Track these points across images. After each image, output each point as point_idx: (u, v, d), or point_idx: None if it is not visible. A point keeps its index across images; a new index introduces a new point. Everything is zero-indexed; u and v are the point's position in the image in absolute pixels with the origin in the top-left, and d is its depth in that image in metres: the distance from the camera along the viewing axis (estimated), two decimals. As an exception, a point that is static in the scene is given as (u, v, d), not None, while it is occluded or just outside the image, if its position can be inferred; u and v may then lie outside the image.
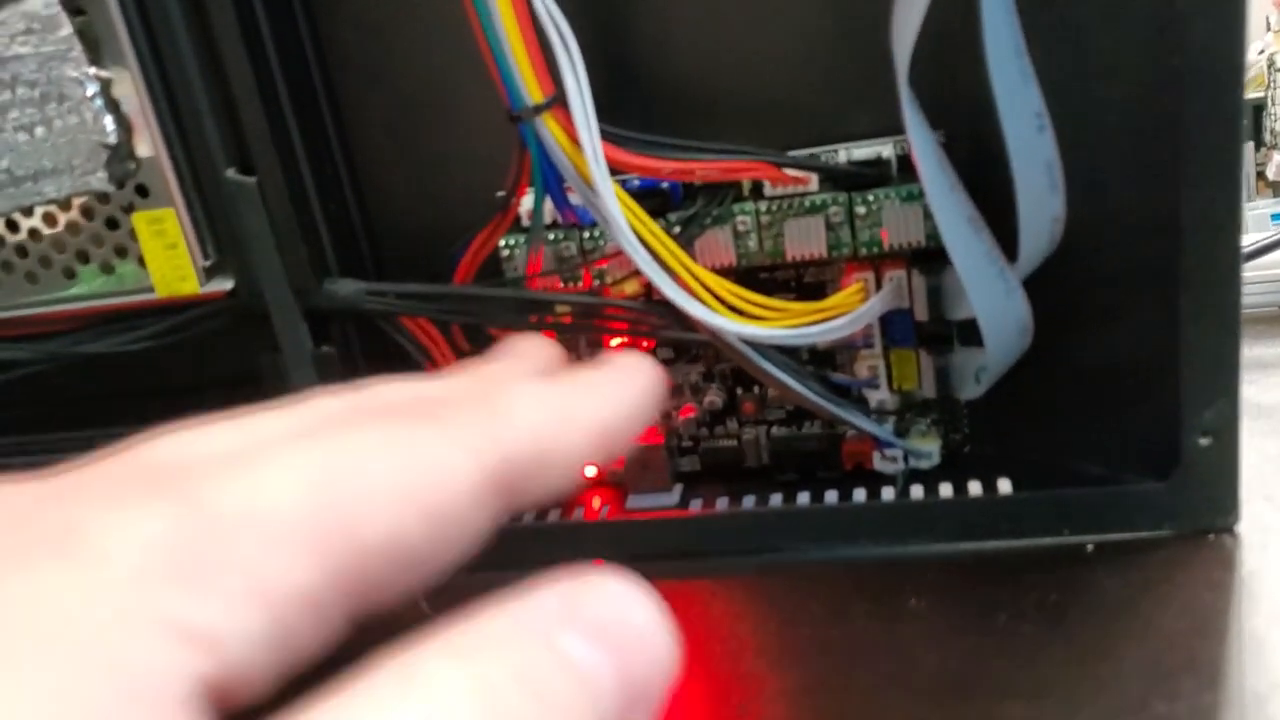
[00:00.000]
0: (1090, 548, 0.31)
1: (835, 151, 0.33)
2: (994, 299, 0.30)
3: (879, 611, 0.29)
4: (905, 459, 0.35)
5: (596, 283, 0.34)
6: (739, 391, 0.37)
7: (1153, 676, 0.25)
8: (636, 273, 0.32)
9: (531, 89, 0.29)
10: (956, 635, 0.28)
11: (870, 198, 0.32)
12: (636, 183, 0.33)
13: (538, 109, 0.29)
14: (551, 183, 0.31)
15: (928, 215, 0.32)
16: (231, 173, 0.33)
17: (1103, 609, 0.28)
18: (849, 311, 0.32)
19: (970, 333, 0.34)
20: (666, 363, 0.37)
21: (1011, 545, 0.32)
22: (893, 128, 0.33)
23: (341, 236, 0.35)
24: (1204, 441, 0.30)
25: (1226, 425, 0.30)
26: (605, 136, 0.30)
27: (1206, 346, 0.29)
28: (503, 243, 0.35)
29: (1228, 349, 0.29)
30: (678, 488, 0.37)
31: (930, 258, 0.33)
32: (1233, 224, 0.28)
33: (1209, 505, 0.31)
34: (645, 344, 0.37)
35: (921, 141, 0.29)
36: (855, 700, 0.25)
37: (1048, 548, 0.31)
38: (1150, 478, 0.31)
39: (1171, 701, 0.24)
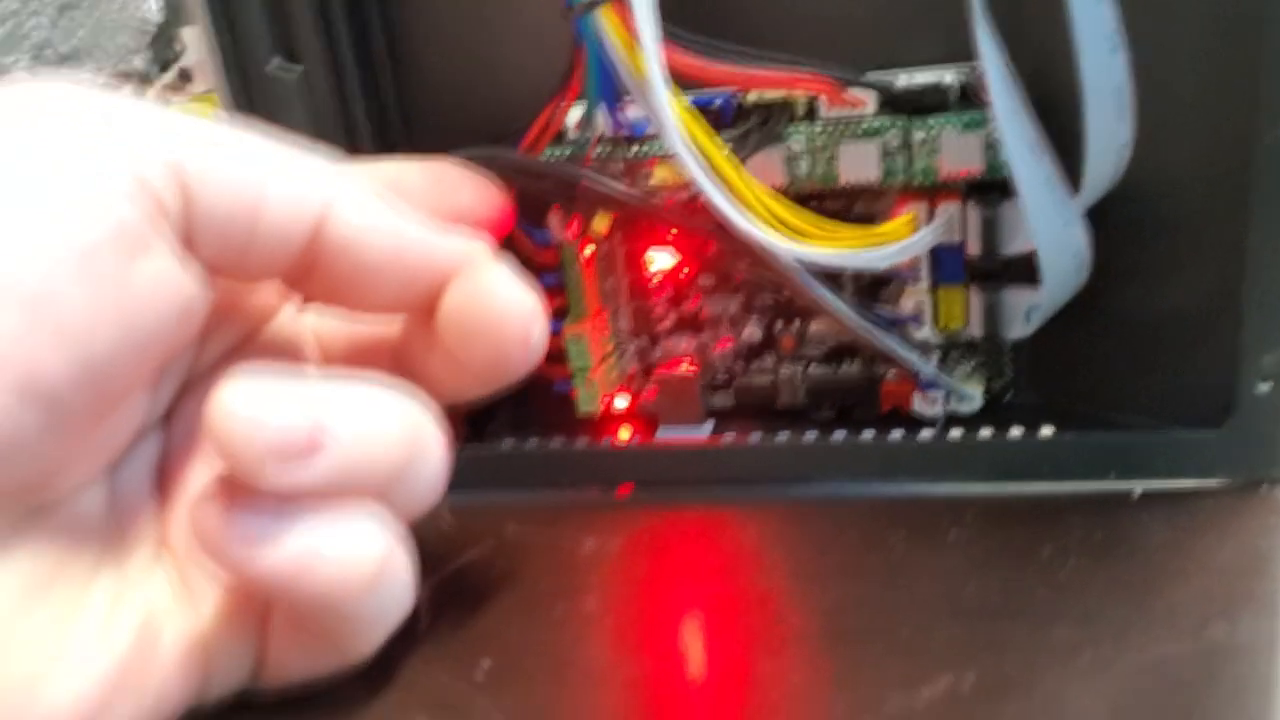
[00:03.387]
0: (1136, 494, 0.30)
1: (894, 76, 0.32)
2: (1053, 228, 0.29)
3: (917, 541, 0.28)
4: (945, 401, 0.34)
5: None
6: (778, 326, 0.36)
7: (1208, 607, 0.24)
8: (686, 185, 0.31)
9: (591, -19, 0.28)
10: (998, 565, 0.27)
11: (929, 123, 0.31)
12: (688, 100, 0.32)
13: (595, 1, 0.29)
14: (605, 86, 0.31)
15: (988, 145, 0.31)
16: (276, 62, 0.32)
17: (1151, 548, 0.27)
18: (900, 240, 0.32)
19: (1023, 270, 0.33)
20: (706, 291, 0.36)
21: (1053, 489, 0.31)
22: (955, 55, 0.32)
23: (382, 136, 0.34)
24: (1263, 387, 0.29)
25: (1287, 372, 0.29)
26: (663, 36, 0.29)
27: (1271, 288, 0.28)
28: (547, 153, 0.34)
29: (1294, 292, 0.28)
30: (709, 423, 0.36)
31: (986, 190, 0.32)
32: (1309, 158, 0.27)
33: (1263, 454, 0.30)
34: (686, 271, 0.36)
35: (990, 54, 0.28)
36: (896, 617, 0.25)
37: (1091, 493, 0.30)
38: (1203, 425, 0.30)
39: (1232, 626, 0.23)
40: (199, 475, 0.23)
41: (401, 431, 0.22)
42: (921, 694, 0.21)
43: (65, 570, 0.22)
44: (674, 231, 0.34)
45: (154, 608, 0.22)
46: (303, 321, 0.27)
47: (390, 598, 0.23)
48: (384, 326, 0.27)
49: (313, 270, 0.23)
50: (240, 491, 0.20)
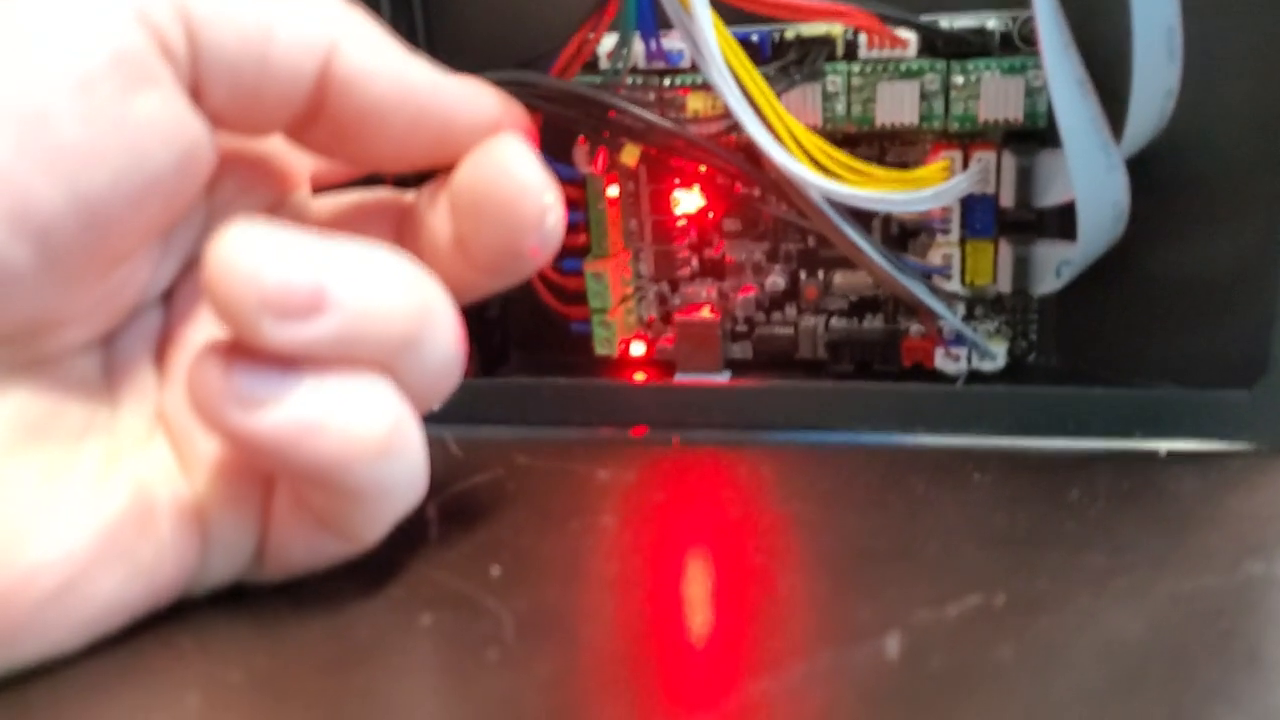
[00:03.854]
0: (1163, 454, 0.29)
1: (937, 20, 0.31)
2: (1094, 172, 0.29)
3: (940, 481, 0.28)
4: (969, 358, 0.34)
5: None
6: (802, 276, 0.36)
7: (1242, 547, 0.23)
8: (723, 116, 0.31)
9: (636, -104, 0.28)
10: (1025, 503, 0.26)
11: (970, 67, 0.31)
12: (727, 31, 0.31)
13: (641, -83, 0.28)
14: (643, 12, 0.30)
15: (1028, 91, 0.31)
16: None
17: (1182, 496, 0.26)
18: (934, 185, 0.31)
19: (1056, 224, 0.33)
20: (731, 237, 0.36)
21: (1078, 445, 0.30)
22: (999, 1, 0.31)
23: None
24: (1296, 349, 0.28)
25: (1321, 333, 0.28)
26: (707, -39, 0.28)
27: (1311, 247, 0.28)
28: (577, 80, 0.33)
29: (1332, 251, 0.28)
30: (726, 373, 0.36)
31: (1024, 139, 0.32)
32: (1358, 112, 0.27)
33: (1293, 419, 0.29)
34: (712, 215, 0.36)
35: (1042, -13, 0.27)
36: (921, 542, 0.24)
37: (1117, 451, 0.30)
38: (1232, 386, 0.29)
39: (1269, 563, 0.22)
40: (198, 348, 0.22)
41: (411, 301, 0.21)
42: (951, 609, 0.21)
43: (56, 425, 0.21)
44: (703, 168, 0.33)
45: (150, 476, 0.21)
46: (311, 207, 0.26)
47: (398, 475, 0.22)
48: (392, 215, 0.26)
49: (319, 114, 0.22)
50: (239, 351, 0.19)
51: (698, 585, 0.23)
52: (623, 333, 0.36)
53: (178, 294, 0.24)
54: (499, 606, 0.22)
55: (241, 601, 0.23)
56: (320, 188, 0.27)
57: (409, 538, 0.25)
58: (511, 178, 0.24)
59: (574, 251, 0.36)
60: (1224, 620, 0.20)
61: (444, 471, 0.30)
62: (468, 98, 0.24)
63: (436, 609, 0.22)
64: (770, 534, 0.25)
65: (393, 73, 0.23)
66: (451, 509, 0.27)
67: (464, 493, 0.28)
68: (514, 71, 0.32)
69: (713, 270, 0.36)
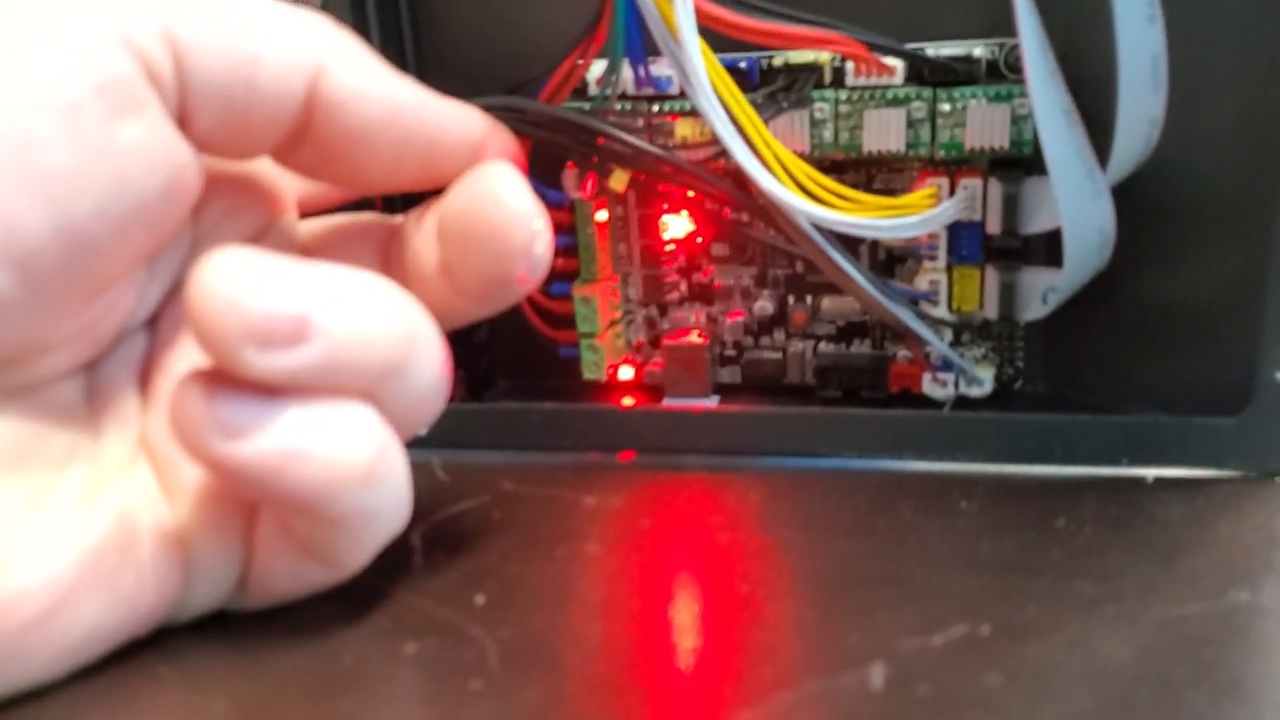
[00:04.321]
0: (1150, 480, 0.29)
1: (923, 48, 0.32)
2: (1080, 200, 0.29)
3: (927, 507, 0.28)
4: (956, 384, 0.34)
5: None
6: (790, 301, 0.36)
7: (1230, 574, 0.23)
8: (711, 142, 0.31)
9: (625, -77, 0.28)
10: (1012, 530, 0.26)
11: (956, 95, 0.31)
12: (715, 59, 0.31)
13: (630, -55, 0.28)
14: (632, 38, 0.30)
15: (1014, 119, 0.31)
16: (298, -7, 0.31)
17: (1169, 522, 0.26)
18: (921, 212, 0.31)
19: (1042, 250, 0.33)
20: (720, 261, 0.36)
21: (1065, 471, 0.30)
22: (985, 30, 0.32)
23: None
24: (1282, 377, 0.29)
25: (1307, 361, 0.28)
26: (695, -12, 0.29)
27: (1297, 274, 0.28)
28: (565, 107, 0.33)
29: (1319, 278, 0.28)
30: (715, 398, 0.36)
31: (1010, 166, 0.32)
32: (1341, 141, 0.27)
33: (1278, 446, 0.29)
34: (701, 240, 0.36)
35: (1027, 17, 0.27)
36: (909, 569, 0.24)
37: (1105, 477, 0.30)
38: (1218, 413, 0.29)
39: (1255, 592, 0.22)
40: (182, 374, 0.22)
41: (396, 329, 0.21)
42: (938, 636, 0.21)
43: (39, 451, 0.21)
44: (691, 193, 0.33)
45: (132, 503, 0.21)
46: (298, 231, 0.26)
47: (382, 502, 0.22)
48: (378, 240, 0.26)
49: (306, 136, 0.22)
50: (222, 380, 0.19)
51: (684, 612, 0.23)
52: (611, 357, 0.36)
53: (162, 319, 0.23)
54: (484, 635, 0.22)
55: (224, 629, 0.23)
56: (307, 212, 0.27)
57: (394, 565, 0.25)
58: (501, 205, 0.23)
59: (562, 276, 0.35)
60: (1210, 649, 0.20)
61: (430, 497, 0.30)
62: (455, 119, 0.24)
63: (421, 637, 0.22)
64: (758, 560, 0.25)
65: (381, 94, 0.23)
66: (437, 535, 0.27)
67: (450, 519, 0.28)
68: (503, 97, 0.32)
69: (701, 295, 0.36)
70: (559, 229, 0.35)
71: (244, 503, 0.22)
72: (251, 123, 0.21)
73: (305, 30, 0.22)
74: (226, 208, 0.24)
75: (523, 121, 0.31)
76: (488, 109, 0.31)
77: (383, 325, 0.21)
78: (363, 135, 0.22)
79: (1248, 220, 0.29)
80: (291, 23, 0.22)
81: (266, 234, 0.25)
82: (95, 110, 0.19)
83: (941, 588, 0.23)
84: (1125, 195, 0.29)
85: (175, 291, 0.23)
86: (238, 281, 0.19)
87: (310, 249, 0.26)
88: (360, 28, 0.32)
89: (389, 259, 0.26)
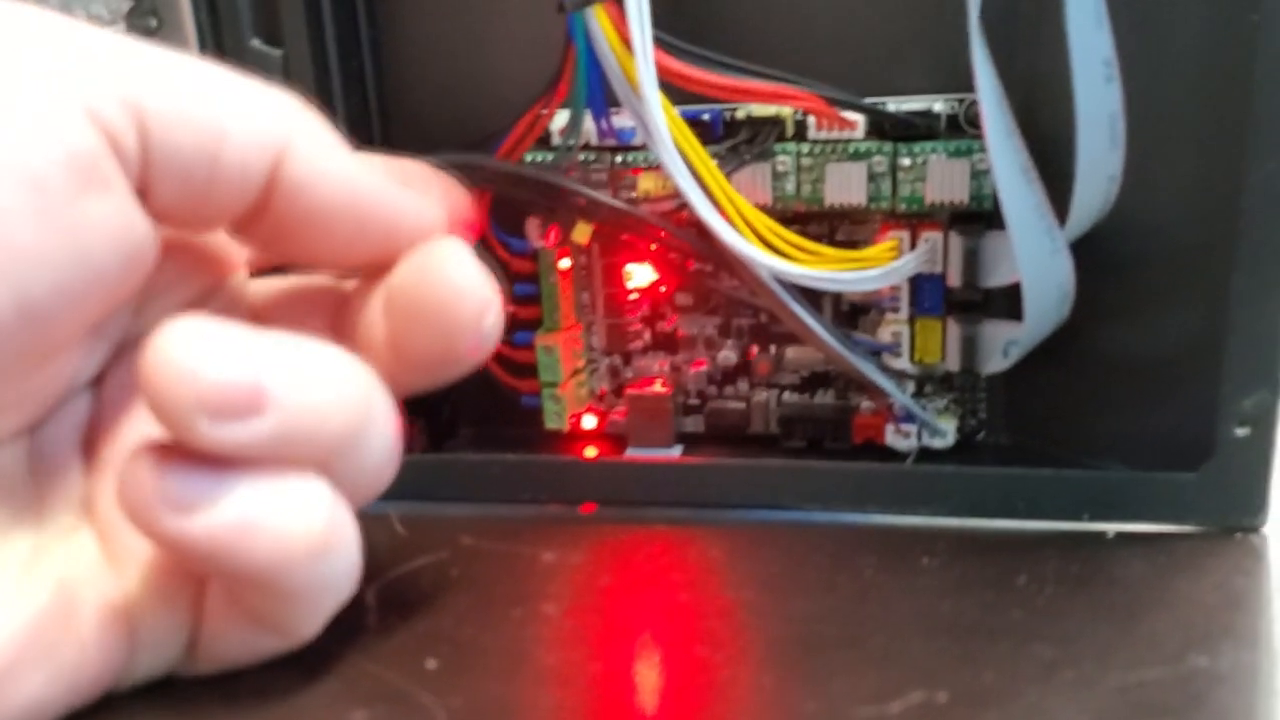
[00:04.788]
0: (1111, 535, 0.29)
1: (884, 103, 0.32)
2: (1039, 256, 0.29)
3: (889, 565, 0.27)
4: (919, 436, 0.34)
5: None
6: (754, 351, 0.36)
7: (1188, 637, 0.23)
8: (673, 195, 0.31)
9: (587, -22, 0.28)
10: (973, 589, 0.26)
11: (916, 149, 0.31)
12: (676, 111, 0.32)
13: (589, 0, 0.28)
14: (594, 90, 0.30)
15: (974, 174, 0.31)
16: (257, 42, 0.31)
17: (1129, 581, 0.26)
18: (882, 265, 0.31)
19: (1003, 303, 0.33)
20: (684, 311, 0.36)
21: (1026, 526, 0.30)
22: (944, 85, 0.32)
23: (358, 133, 0.33)
24: (1241, 432, 0.29)
25: (1266, 416, 0.28)
26: (657, 42, 0.29)
27: (1255, 331, 0.28)
28: (528, 157, 0.33)
29: (1276, 334, 0.28)
30: (678, 448, 0.36)
31: (970, 220, 0.32)
32: (1297, 199, 0.27)
33: (1239, 501, 0.29)
34: (665, 289, 0.36)
35: (986, 77, 0.27)
36: (868, 629, 0.24)
37: (1066, 532, 0.30)
38: (1179, 468, 0.29)
39: (1213, 658, 0.22)
40: (130, 440, 0.21)
41: (350, 401, 0.21)
42: (895, 705, 0.20)
43: None
44: (654, 246, 0.33)
45: (74, 573, 0.21)
46: (248, 291, 0.26)
47: (333, 573, 0.21)
48: (328, 305, 0.26)
49: (264, 212, 0.22)
50: (174, 453, 0.19)
51: (640, 679, 0.23)
52: (574, 406, 0.36)
53: (107, 380, 0.23)
54: (434, 702, 0.22)
55: (170, 694, 0.23)
56: (258, 271, 0.27)
57: (346, 625, 0.25)
58: (449, 282, 0.23)
59: (525, 324, 0.35)
60: (1168, 717, 0.20)
61: (387, 552, 0.30)
62: (414, 209, 0.24)
63: (370, 704, 0.22)
64: (717, 621, 0.25)
65: (341, 177, 0.22)
66: (391, 595, 0.27)
67: (406, 576, 0.28)
68: (462, 154, 0.32)
69: (665, 344, 0.36)
70: (522, 277, 0.35)
71: (192, 572, 0.22)
72: (212, 198, 0.21)
73: (272, 109, 0.21)
74: (177, 269, 0.23)
75: (483, 178, 0.31)
76: (448, 165, 0.31)
77: (338, 398, 0.20)
78: (320, 217, 0.22)
79: (1206, 275, 0.29)
80: (258, 100, 0.21)
81: (216, 294, 0.25)
82: (61, 185, 0.18)
83: (900, 652, 0.23)
84: (1085, 250, 0.30)
85: (121, 353, 0.23)
86: (192, 351, 0.18)
87: (260, 312, 0.26)
88: (324, 79, 0.32)
89: (339, 326, 0.25)
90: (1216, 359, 0.28)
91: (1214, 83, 0.28)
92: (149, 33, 0.31)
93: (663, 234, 0.31)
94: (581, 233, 0.33)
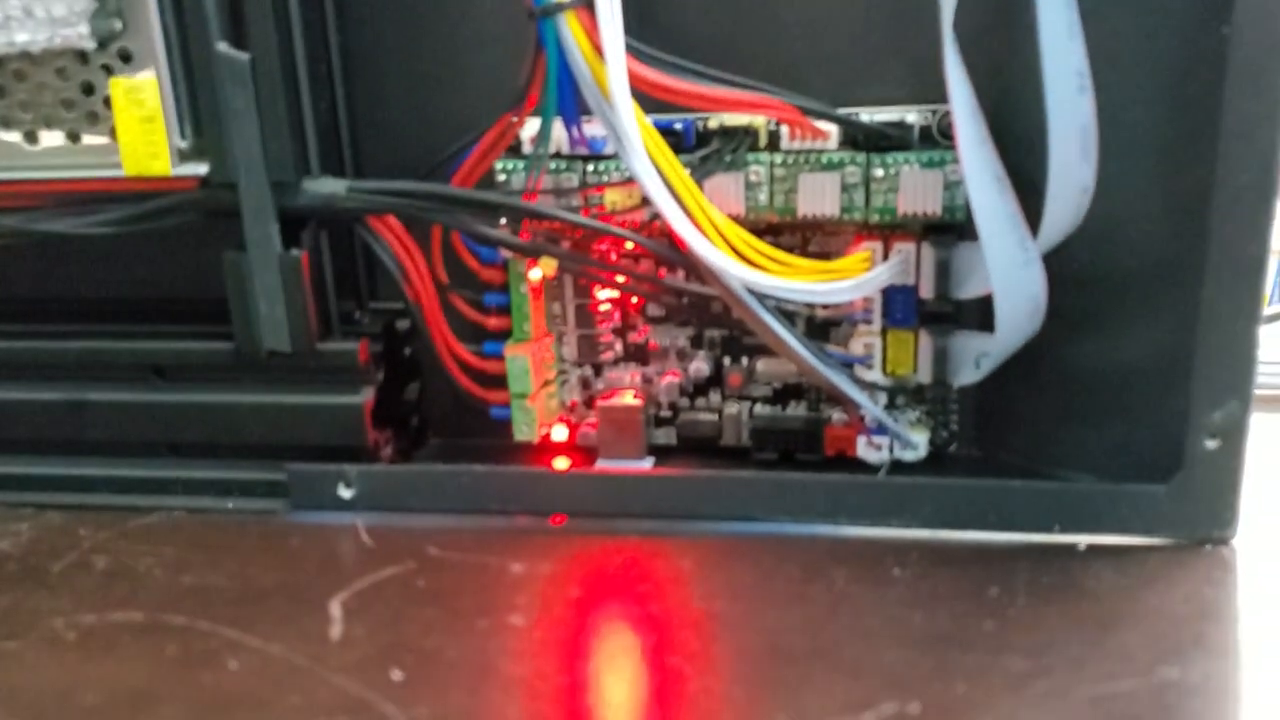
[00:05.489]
0: (1083, 548, 0.29)
1: (857, 114, 0.32)
2: (1012, 266, 0.29)
3: (861, 576, 0.27)
4: (891, 448, 0.34)
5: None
6: (726, 363, 0.35)
7: (1159, 648, 0.23)
8: (641, 206, 0.31)
9: (559, -16, 0.28)
10: (945, 600, 0.26)
11: (889, 160, 0.31)
12: (648, 121, 0.31)
13: (562, 5, 0.28)
14: (565, 99, 0.30)
15: (947, 185, 0.31)
16: (224, 46, 0.31)
17: (1101, 594, 0.26)
18: (855, 276, 0.31)
19: (975, 315, 0.33)
20: (655, 322, 0.36)
21: (998, 538, 0.30)
22: (918, 97, 0.32)
23: (326, 139, 0.33)
24: (1211, 444, 0.29)
25: (1235, 428, 0.29)
26: (628, 50, 0.28)
27: (1224, 344, 0.28)
28: (499, 165, 0.33)
29: (1245, 347, 0.28)
30: (650, 460, 0.35)
31: (943, 231, 0.32)
32: (1265, 214, 0.27)
33: (1209, 513, 0.29)
34: (635, 298, 0.35)
35: (959, 86, 0.28)
36: (840, 640, 0.23)
37: (1037, 544, 0.30)
38: (1149, 480, 0.29)
39: (1184, 669, 0.22)
40: None
41: None
42: (867, 715, 0.20)
43: None
44: (621, 279, 0.33)
45: None
46: None
47: None
48: None
49: None
50: None
51: (608, 690, 0.22)
52: (544, 418, 0.36)
53: None
54: (399, 714, 0.21)
55: (135, 701, 0.22)
56: None
57: (312, 636, 0.24)
58: None
59: (495, 335, 0.35)
60: (1142, 727, 0.20)
61: (353, 563, 0.29)
62: None
63: (333, 716, 0.21)
64: (687, 632, 0.25)
65: None
66: (358, 605, 0.26)
67: (372, 587, 0.27)
68: (428, 184, 0.32)
69: (636, 355, 0.36)
70: (492, 288, 0.35)
71: None
72: None
73: None
74: None
75: (446, 204, 0.31)
76: (412, 195, 0.31)
77: None
78: None
79: (1177, 287, 0.29)
80: None
81: None
82: None
83: (872, 663, 0.22)
84: (1057, 262, 0.30)
85: None
86: None
87: None
88: (291, 87, 0.32)
89: None
90: (1186, 371, 0.29)
91: (1185, 95, 0.28)
92: (113, 36, 0.31)
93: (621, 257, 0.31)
94: (547, 265, 0.33)
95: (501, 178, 0.33)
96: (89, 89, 0.32)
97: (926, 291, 0.32)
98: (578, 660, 0.24)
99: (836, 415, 0.35)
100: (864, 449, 0.34)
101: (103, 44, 0.31)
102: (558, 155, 0.33)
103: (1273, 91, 0.26)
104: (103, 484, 0.36)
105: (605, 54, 0.28)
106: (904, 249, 0.32)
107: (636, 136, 0.28)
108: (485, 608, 0.26)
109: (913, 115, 0.32)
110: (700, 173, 0.31)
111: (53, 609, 0.27)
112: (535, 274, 0.35)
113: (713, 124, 0.32)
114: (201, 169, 0.32)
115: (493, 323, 0.35)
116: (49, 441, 0.36)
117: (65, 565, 0.30)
